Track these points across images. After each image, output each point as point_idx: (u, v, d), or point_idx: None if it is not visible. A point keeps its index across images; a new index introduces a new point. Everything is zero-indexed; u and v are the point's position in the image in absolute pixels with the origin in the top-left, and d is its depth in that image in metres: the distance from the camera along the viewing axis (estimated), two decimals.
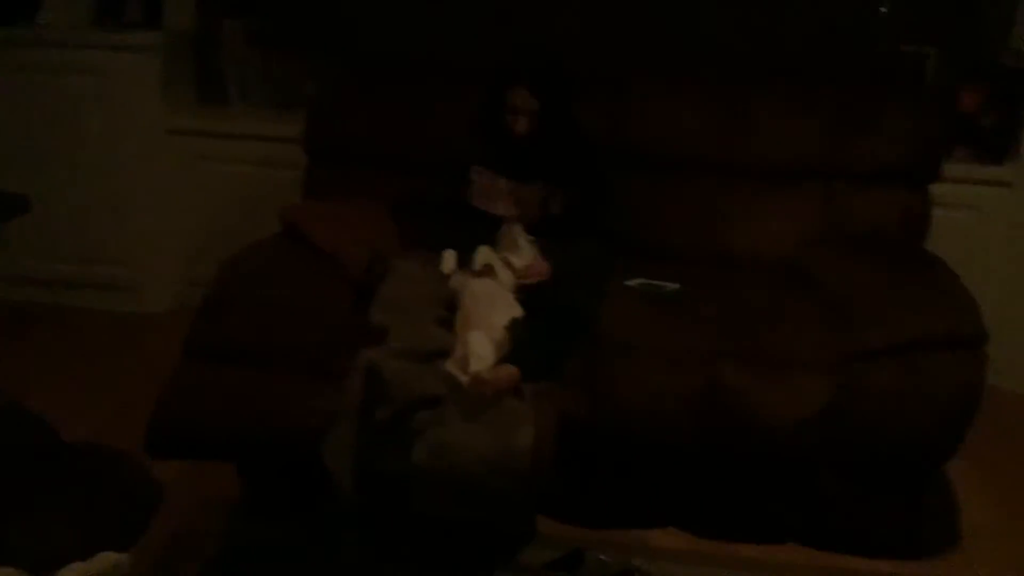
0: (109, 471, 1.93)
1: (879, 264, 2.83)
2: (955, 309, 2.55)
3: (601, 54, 3.50)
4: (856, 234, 3.04)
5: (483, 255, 2.68)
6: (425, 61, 3.42)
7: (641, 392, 2.47)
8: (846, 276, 2.80)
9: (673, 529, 2.67)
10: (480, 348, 2.42)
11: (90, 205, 3.86)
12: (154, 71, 3.76)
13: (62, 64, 3.74)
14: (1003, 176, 3.43)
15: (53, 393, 3.23)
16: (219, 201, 3.84)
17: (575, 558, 2.42)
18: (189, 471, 2.71)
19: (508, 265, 2.70)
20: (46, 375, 3.44)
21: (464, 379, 2.34)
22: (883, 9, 3.53)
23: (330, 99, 3.32)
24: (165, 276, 3.95)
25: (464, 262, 2.72)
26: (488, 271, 2.66)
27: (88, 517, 1.76)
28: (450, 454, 2.16)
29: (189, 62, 3.94)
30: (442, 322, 2.56)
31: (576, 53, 2.98)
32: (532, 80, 2.81)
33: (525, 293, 2.66)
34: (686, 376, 2.48)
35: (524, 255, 2.74)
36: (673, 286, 2.85)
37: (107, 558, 1.57)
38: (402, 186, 3.10)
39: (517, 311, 2.60)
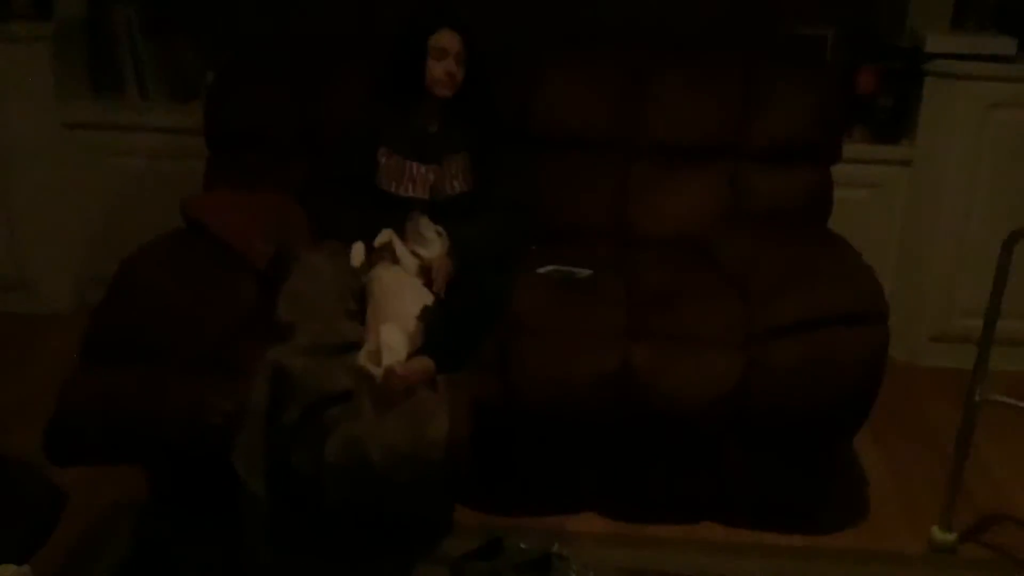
0: (6, 480, 1.86)
1: (784, 242, 2.89)
2: (858, 286, 2.60)
3: (501, 34, 3.47)
4: (761, 213, 3.08)
5: (383, 236, 2.65)
6: (324, 39, 3.34)
7: (552, 375, 2.47)
8: (751, 254, 2.84)
9: (591, 513, 2.69)
10: (392, 340, 2.40)
11: None
12: (46, 62, 3.63)
13: None
14: (901, 155, 3.51)
15: None
16: (121, 195, 3.73)
17: (494, 546, 2.41)
18: (96, 473, 2.62)
19: (416, 255, 2.68)
20: None
21: (377, 373, 2.32)
22: None
23: (227, 86, 3.24)
24: (66, 274, 3.83)
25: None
26: (386, 250, 2.62)
27: None
28: (363, 448, 2.13)
29: (82, 52, 3.80)
30: (352, 315, 2.52)
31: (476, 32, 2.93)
32: (457, 20, 2.80)
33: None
34: (597, 357, 2.49)
35: (432, 247, 2.71)
36: (585, 272, 2.85)
37: (5, 570, 1.51)
38: (308, 173, 3.03)
39: (428, 299, 2.58)
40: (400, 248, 2.66)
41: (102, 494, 2.65)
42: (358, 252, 2.66)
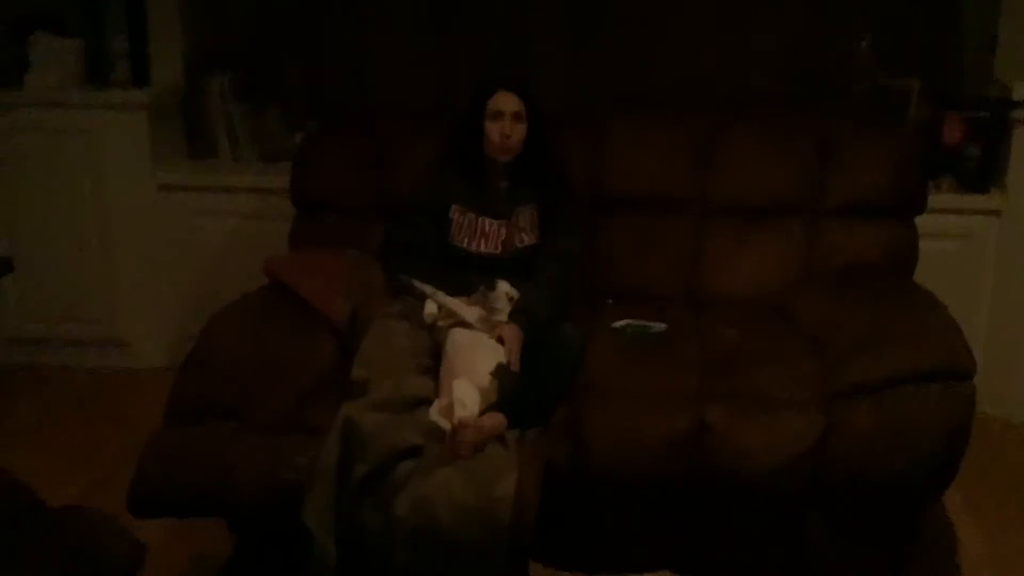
0: (87, 534, 1.92)
1: (863, 299, 2.83)
2: (942, 341, 2.53)
3: (570, 95, 3.51)
4: (840, 270, 3.03)
5: (430, 308, 2.69)
6: (404, 107, 3.44)
7: (623, 436, 2.45)
8: (829, 312, 2.79)
9: (667, 572, 2.64)
10: (465, 395, 2.41)
11: (82, 263, 3.88)
12: (143, 128, 3.78)
13: (51, 124, 3.78)
14: (990, 205, 3.43)
15: (41, 456, 3.25)
16: (212, 255, 3.85)
17: None
18: (181, 529, 2.70)
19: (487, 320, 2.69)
20: (35, 437, 3.45)
21: (448, 427, 2.33)
22: (863, 43, 3.52)
23: (311, 151, 3.34)
24: (159, 332, 3.95)
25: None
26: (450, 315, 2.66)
27: None
28: (432, 506, 2.13)
29: (177, 118, 3.96)
30: (426, 371, 2.55)
31: (544, 95, 2.96)
32: (514, 82, 2.84)
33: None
34: (670, 419, 2.46)
35: (501, 312, 2.72)
36: (660, 326, 2.84)
37: None
38: (383, 233, 3.09)
39: (502, 355, 2.59)
40: (458, 307, 2.68)
41: (187, 549, 2.72)
42: (430, 308, 2.70)
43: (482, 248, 2.87)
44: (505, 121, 2.80)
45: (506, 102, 2.81)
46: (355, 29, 3.82)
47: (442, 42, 3.77)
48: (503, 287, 2.74)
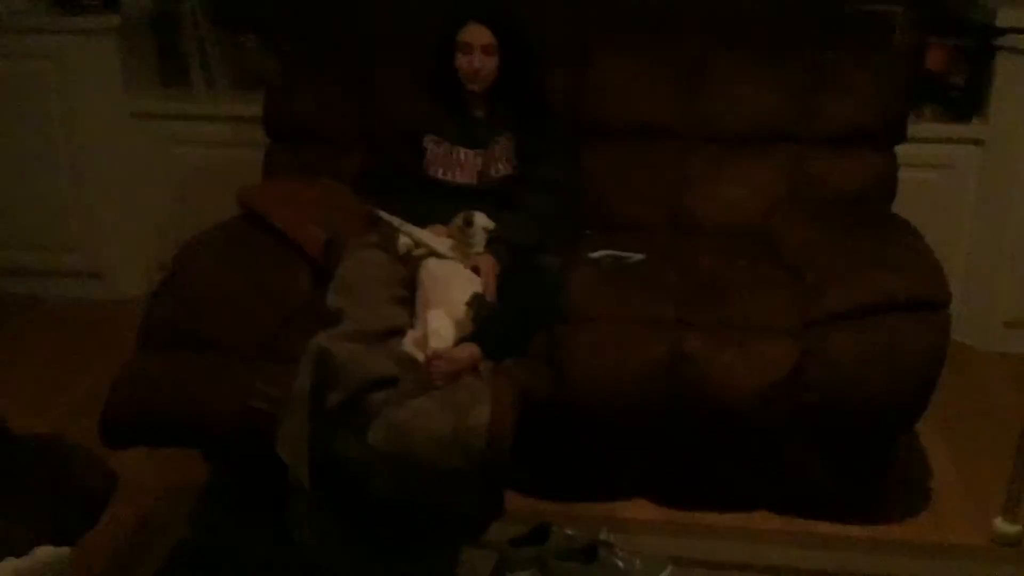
0: (56, 463, 1.91)
1: (842, 227, 2.82)
2: (918, 271, 2.54)
3: (555, 19, 3.43)
4: (822, 198, 3.01)
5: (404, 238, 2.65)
6: (382, 36, 3.36)
7: (602, 365, 2.45)
8: (809, 240, 2.78)
9: (643, 500, 2.67)
10: (439, 326, 2.40)
11: (55, 192, 3.83)
12: (114, 54, 3.71)
13: (20, 50, 3.70)
14: (973, 134, 3.40)
15: (14, 385, 3.23)
16: (186, 183, 3.81)
17: (541, 532, 2.40)
18: (155, 459, 2.69)
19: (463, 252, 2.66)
20: (7, 368, 3.43)
21: (422, 358, 2.32)
22: None
23: (286, 78, 3.29)
24: (135, 261, 3.92)
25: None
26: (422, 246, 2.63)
27: (30, 511, 1.74)
28: (406, 434, 2.13)
29: (150, 44, 3.88)
30: (401, 302, 2.53)
31: (526, 17, 2.89)
32: (484, 13, 2.76)
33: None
34: (648, 347, 2.46)
35: (477, 244, 2.68)
36: (637, 256, 2.82)
37: (45, 552, 1.55)
38: (360, 162, 3.05)
39: (477, 286, 2.57)
40: (429, 238, 2.65)
41: (161, 479, 2.72)
42: (405, 239, 2.67)
43: (457, 178, 2.83)
44: (474, 54, 2.74)
45: (475, 34, 2.74)
46: None
47: None
48: (480, 220, 2.70)
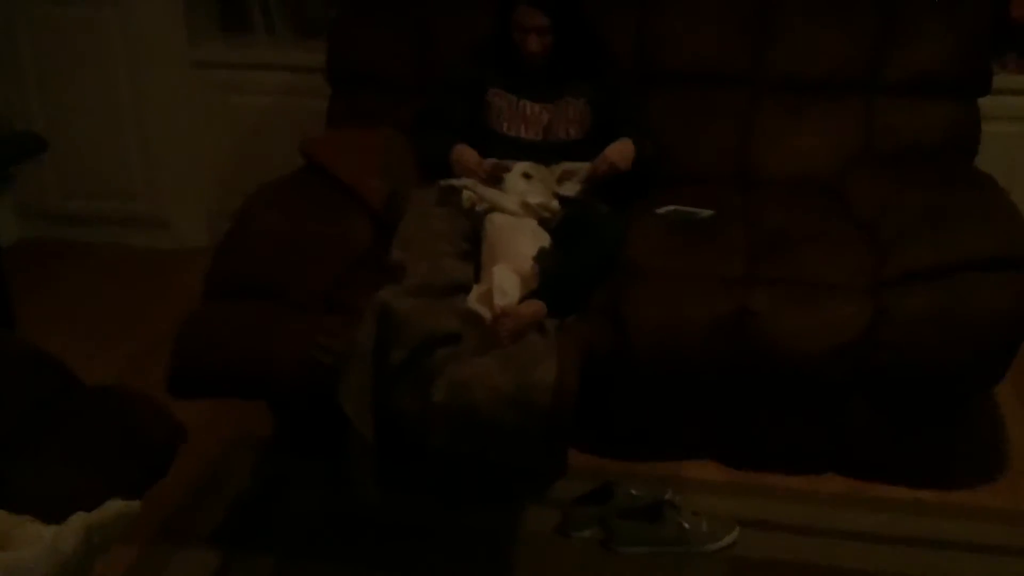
0: (125, 414, 1.92)
1: (921, 182, 2.72)
2: (1001, 228, 2.45)
3: None
4: (899, 151, 2.91)
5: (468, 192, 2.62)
6: None
7: (667, 321, 2.40)
8: (885, 196, 2.69)
9: (709, 461, 2.63)
10: (505, 282, 2.37)
11: (118, 140, 3.84)
12: (176, 3, 3.69)
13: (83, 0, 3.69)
14: None
15: (80, 334, 3.27)
16: (248, 133, 3.80)
17: (605, 491, 2.39)
18: (223, 409, 2.71)
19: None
20: (74, 315, 3.47)
21: (486, 314, 2.29)
22: None
23: (347, 27, 3.23)
24: (198, 211, 3.93)
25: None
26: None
27: (100, 463, 1.75)
28: (469, 392, 2.10)
29: None
30: (465, 256, 2.50)
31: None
32: None
33: (553, 223, 2.59)
34: (714, 303, 2.41)
35: (533, 193, 2.63)
36: (706, 212, 2.75)
37: (115, 505, 1.55)
38: (420, 111, 2.99)
39: (544, 240, 2.54)
40: (495, 196, 2.60)
41: (228, 430, 2.74)
42: (468, 193, 2.62)
43: (522, 133, 2.78)
44: (529, 35, 2.68)
45: (527, 17, 2.66)
46: None
47: None
48: (519, 167, 2.65)
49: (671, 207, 2.76)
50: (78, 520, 1.49)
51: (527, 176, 2.64)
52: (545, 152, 2.74)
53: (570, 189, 2.66)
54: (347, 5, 3.38)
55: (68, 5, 3.70)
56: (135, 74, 3.75)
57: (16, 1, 3.70)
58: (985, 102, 2.98)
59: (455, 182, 2.64)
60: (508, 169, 2.66)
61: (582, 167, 2.68)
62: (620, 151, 2.67)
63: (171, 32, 3.71)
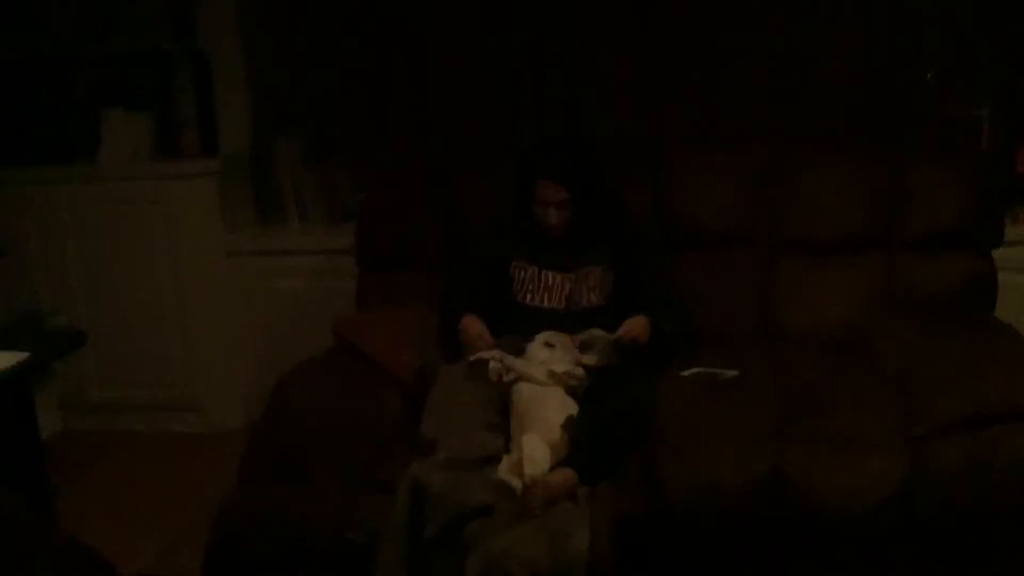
0: None
1: (944, 334, 2.74)
2: None
3: (636, 130, 3.47)
4: (918, 303, 2.95)
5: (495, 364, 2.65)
6: (468, 162, 3.44)
7: (699, 483, 2.39)
8: (910, 348, 2.70)
9: None
10: (535, 452, 2.37)
11: (157, 330, 3.95)
12: (213, 196, 3.87)
13: (123, 197, 3.87)
14: None
15: (118, 522, 3.27)
16: (283, 316, 3.89)
17: None
18: None
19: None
20: (112, 503, 3.49)
21: (518, 485, 2.30)
22: (929, 76, 3.46)
23: (373, 209, 3.36)
24: (232, 394, 3.99)
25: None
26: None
27: None
28: (504, 565, 2.09)
29: (246, 183, 4.03)
30: (495, 427, 2.52)
31: (610, 130, 2.93)
32: (556, 171, 2.76)
33: (579, 389, 2.62)
34: (748, 465, 2.40)
35: (557, 361, 2.66)
36: (731, 373, 2.76)
37: None
38: (447, 289, 3.07)
39: (573, 409, 2.55)
40: (524, 367, 2.63)
41: None
42: (496, 364, 2.67)
43: (546, 303, 2.84)
44: (548, 210, 2.77)
45: (549, 192, 2.76)
46: (422, 86, 3.83)
47: (505, 91, 3.76)
48: (541, 337, 2.69)
49: (696, 369, 2.78)
50: None
51: (549, 345, 2.68)
52: (568, 320, 2.79)
53: (591, 359, 2.69)
54: (374, 188, 3.53)
55: (111, 203, 3.88)
56: (174, 264, 3.89)
57: (61, 197, 3.88)
58: (1000, 253, 3.02)
59: (483, 355, 2.69)
60: (522, 345, 2.70)
61: (603, 336, 2.71)
62: (644, 326, 2.71)
63: (208, 224, 3.87)
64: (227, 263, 3.90)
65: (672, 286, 2.94)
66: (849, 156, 3.15)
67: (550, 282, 2.84)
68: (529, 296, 2.85)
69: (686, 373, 2.76)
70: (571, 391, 2.62)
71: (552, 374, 2.60)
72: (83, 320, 3.85)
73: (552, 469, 2.35)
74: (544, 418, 2.50)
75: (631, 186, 3.10)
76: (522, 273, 2.86)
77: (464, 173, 3.35)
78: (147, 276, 3.91)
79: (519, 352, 2.68)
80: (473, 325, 2.76)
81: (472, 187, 3.28)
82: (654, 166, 3.20)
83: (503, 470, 2.35)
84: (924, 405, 2.47)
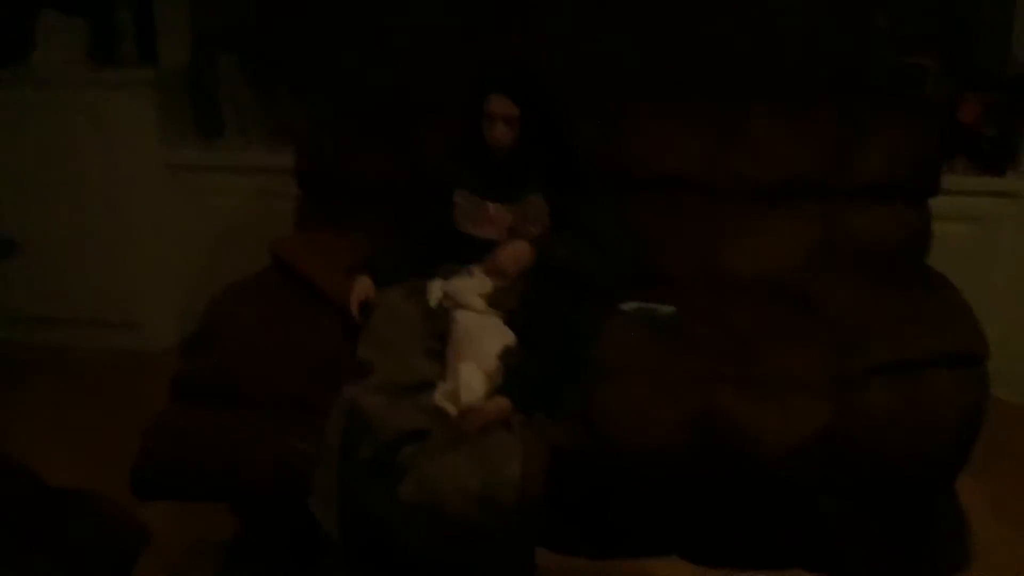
0: (89, 517, 1.91)
1: (877, 281, 2.79)
2: (955, 325, 2.50)
3: (590, 74, 3.45)
4: (855, 251, 2.99)
5: (435, 290, 2.64)
6: (408, 89, 3.40)
7: (635, 421, 2.42)
8: (843, 294, 2.76)
9: (676, 558, 2.62)
10: (471, 379, 2.39)
11: (89, 243, 3.88)
12: (150, 107, 3.77)
13: (57, 103, 3.76)
14: (1006, 187, 3.38)
15: (46, 436, 3.25)
16: (218, 234, 3.85)
17: None
18: (185, 512, 2.69)
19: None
20: (42, 418, 3.45)
21: (453, 411, 2.31)
22: (879, 21, 3.47)
23: (315, 131, 3.30)
24: (167, 312, 3.95)
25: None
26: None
27: (64, 564, 1.74)
28: (437, 489, 2.12)
29: (184, 97, 3.93)
30: (432, 354, 2.53)
31: (565, 74, 2.91)
32: (508, 85, 2.73)
33: (518, 319, 2.62)
34: (681, 402, 2.44)
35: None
36: (668, 309, 2.81)
37: None
38: (390, 215, 3.05)
39: (509, 338, 2.56)
40: (462, 291, 2.64)
41: (191, 533, 2.71)
42: (435, 291, 2.66)
43: (486, 233, 2.82)
44: (496, 124, 2.74)
45: (498, 105, 2.72)
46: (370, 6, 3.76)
47: (460, 21, 3.71)
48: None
49: (635, 303, 2.81)
50: None
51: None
52: None
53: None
54: (317, 108, 3.47)
55: (41, 109, 3.76)
56: (108, 177, 3.80)
57: None
58: (936, 202, 3.07)
59: (426, 282, 2.68)
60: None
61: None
62: (511, 254, 2.66)
63: (144, 136, 3.77)
64: (165, 177, 3.82)
65: (606, 224, 2.90)
66: (796, 102, 3.17)
67: (491, 212, 2.82)
68: (470, 226, 2.83)
69: (626, 307, 2.79)
70: (508, 322, 2.63)
71: (487, 296, 2.60)
72: (12, 229, 3.76)
73: (488, 398, 2.36)
74: (481, 347, 2.50)
75: (583, 124, 3.06)
76: (464, 202, 2.84)
77: (413, 99, 3.30)
78: (80, 187, 3.82)
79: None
80: (361, 285, 2.70)
81: (418, 113, 3.24)
82: (608, 109, 3.18)
83: (439, 396, 2.37)
84: (854, 350, 2.52)
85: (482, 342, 2.52)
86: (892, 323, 2.54)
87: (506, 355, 2.49)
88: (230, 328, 2.55)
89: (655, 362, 2.56)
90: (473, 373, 2.41)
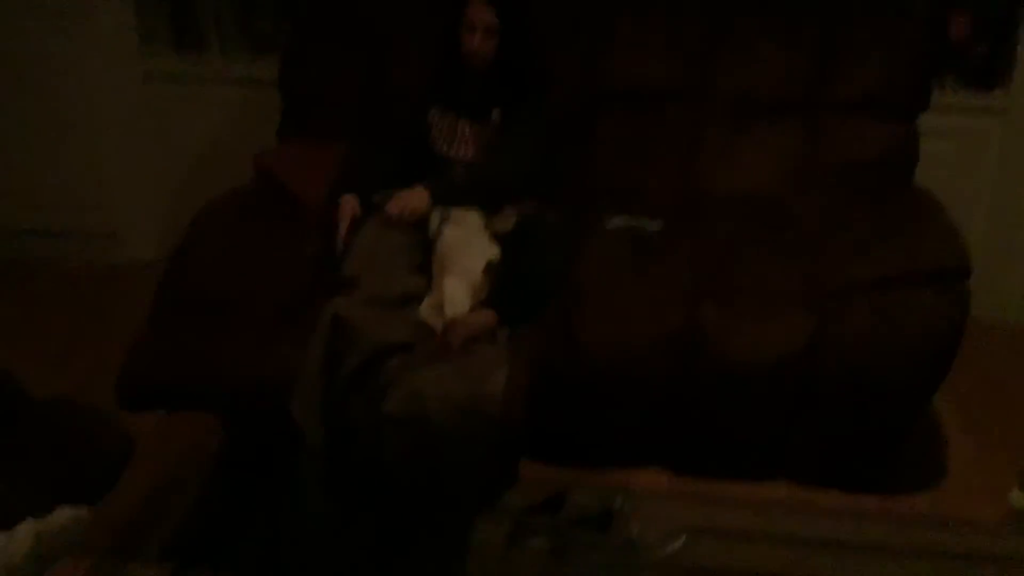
0: (75, 426, 1.92)
1: (861, 198, 2.80)
2: (938, 243, 2.52)
3: None
4: (840, 168, 2.97)
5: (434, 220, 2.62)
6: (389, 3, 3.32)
7: (617, 334, 2.44)
8: (827, 210, 2.77)
9: (657, 469, 2.66)
10: (455, 293, 2.40)
11: (67, 153, 3.81)
12: (129, 16, 3.68)
13: (32, 9, 3.66)
14: (995, 104, 3.36)
15: (29, 348, 3.23)
16: (202, 146, 3.79)
17: (556, 501, 2.41)
18: (171, 422, 2.70)
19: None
20: (23, 330, 3.43)
21: (438, 325, 2.32)
22: None
23: (301, 44, 3.24)
24: (148, 224, 3.91)
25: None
26: None
27: (49, 473, 1.75)
28: (421, 401, 2.13)
29: (164, 5, 3.84)
30: (417, 268, 2.52)
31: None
32: None
33: (503, 236, 2.62)
34: (663, 316, 2.45)
35: None
36: (655, 224, 2.81)
37: (63, 514, 1.56)
38: (371, 127, 3.02)
39: (494, 253, 2.56)
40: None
41: (177, 442, 2.73)
42: (434, 220, 2.63)
43: (459, 152, 2.78)
44: (476, 34, 2.68)
45: (477, 12, 2.66)
46: None
47: None
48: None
49: (620, 220, 2.80)
50: (28, 527, 1.50)
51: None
52: None
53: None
54: (299, 22, 3.40)
55: (14, 13, 3.67)
56: (84, 84, 3.73)
57: None
58: (924, 119, 3.05)
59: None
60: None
61: None
62: (396, 203, 2.59)
63: (123, 45, 3.70)
64: (143, 86, 3.75)
65: (525, 147, 2.78)
66: (783, 17, 3.10)
67: (466, 132, 2.78)
68: (446, 146, 2.79)
69: (611, 224, 2.79)
70: (494, 236, 2.63)
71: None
72: None
73: (472, 311, 2.37)
74: (466, 262, 2.51)
75: (560, 39, 3.03)
76: (439, 121, 2.80)
77: (391, 17, 3.20)
78: (56, 94, 3.74)
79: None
80: (348, 205, 2.67)
81: (401, 27, 3.16)
82: (588, 22, 3.12)
83: (424, 310, 2.38)
84: (835, 267, 2.53)
85: (467, 257, 2.52)
86: (875, 240, 2.56)
87: (490, 269, 2.49)
88: (213, 240, 2.54)
89: (638, 277, 2.57)
90: (458, 287, 2.42)
